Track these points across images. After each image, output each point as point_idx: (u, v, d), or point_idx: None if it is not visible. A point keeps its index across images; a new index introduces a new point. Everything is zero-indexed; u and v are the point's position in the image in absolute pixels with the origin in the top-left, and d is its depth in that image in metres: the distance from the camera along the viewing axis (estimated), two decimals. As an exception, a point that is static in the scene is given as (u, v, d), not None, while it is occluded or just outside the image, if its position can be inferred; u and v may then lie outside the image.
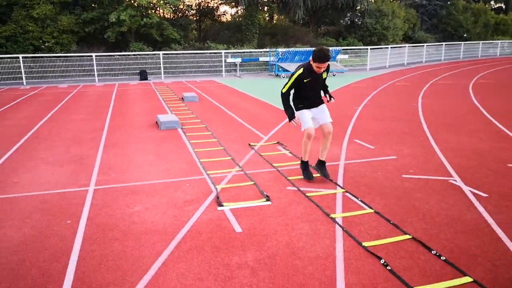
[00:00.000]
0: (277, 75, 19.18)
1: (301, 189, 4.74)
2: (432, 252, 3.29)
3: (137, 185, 4.99)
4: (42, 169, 5.68)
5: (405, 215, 4.01)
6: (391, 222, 3.84)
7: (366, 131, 7.60)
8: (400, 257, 3.23)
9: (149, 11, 22.31)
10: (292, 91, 4.81)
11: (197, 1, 31.00)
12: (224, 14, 33.31)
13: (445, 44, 29.40)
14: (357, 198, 4.45)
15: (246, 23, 26.36)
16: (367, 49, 22.77)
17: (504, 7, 48.32)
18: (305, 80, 4.62)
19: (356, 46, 27.06)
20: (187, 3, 29.79)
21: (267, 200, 4.45)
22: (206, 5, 31.67)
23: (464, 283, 2.88)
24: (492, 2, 49.15)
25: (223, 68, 20.29)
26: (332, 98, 4.94)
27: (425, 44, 27.90)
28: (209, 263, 3.21)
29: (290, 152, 6.33)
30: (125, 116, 9.65)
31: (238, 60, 20.27)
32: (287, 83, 4.69)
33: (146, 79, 18.68)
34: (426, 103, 10.73)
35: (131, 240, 3.61)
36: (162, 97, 12.84)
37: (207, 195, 4.62)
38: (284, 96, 4.73)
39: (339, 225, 3.80)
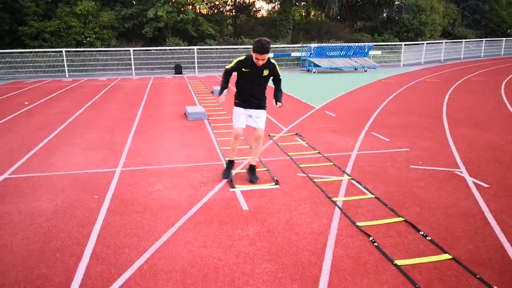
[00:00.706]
0: (308, 70, 19.35)
1: (310, 175, 5.04)
2: (420, 232, 3.53)
3: (160, 168, 5.44)
4: (76, 153, 6.25)
5: (403, 201, 4.24)
6: (388, 206, 4.09)
7: (385, 125, 7.76)
8: (389, 236, 3.49)
9: (185, 7, 22.93)
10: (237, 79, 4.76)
11: (234, -3, 31.51)
12: (260, 10, 33.64)
13: (485, 40, 28.55)
14: (360, 184, 4.71)
15: (280, 18, 26.60)
16: (401, 45, 22.49)
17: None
18: (243, 69, 4.54)
19: (392, 42, 26.74)
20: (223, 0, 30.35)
21: (276, 184, 4.79)
22: (242, 1, 32.13)
23: (442, 259, 3.11)
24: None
25: (255, 63, 20.63)
26: (278, 103, 4.80)
27: (464, 40, 27.19)
28: (215, 234, 3.59)
29: (306, 143, 6.61)
30: (156, 107, 10.21)
31: (270, 55, 20.54)
32: (231, 63, 4.66)
33: (181, 73, 19.32)
34: (452, 99, 10.68)
35: (148, 213, 4.05)
36: (193, 90, 13.36)
37: (222, 179, 5.00)
38: (225, 72, 4.70)
39: (338, 207, 4.09)
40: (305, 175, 5.09)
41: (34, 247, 3.41)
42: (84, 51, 19.63)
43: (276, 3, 30.02)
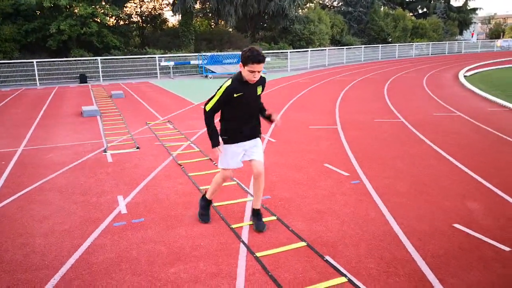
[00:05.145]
0: (205, 76, 21.75)
1: (164, 143, 7.30)
2: (213, 163, 5.93)
3: (54, 146, 7.37)
4: (-14, 141, 7.93)
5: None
6: (204, 154, 6.47)
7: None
8: (194, 166, 5.85)
9: (89, 20, 24.19)
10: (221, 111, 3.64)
11: (140, 10, 33.15)
12: (165, 22, 35.54)
13: (364, 47, 33.15)
14: (195, 145, 7.07)
15: (183, 29, 28.80)
16: (287, 52, 25.78)
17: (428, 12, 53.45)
18: (235, 94, 3.49)
19: (286, 50, 30.10)
20: (128, 13, 31.93)
21: (137, 148, 6.97)
22: (149, 12, 33.90)
23: (215, 172, 5.51)
24: (419, 8, 54.52)
25: (158, 71, 22.64)
26: (274, 116, 3.80)
27: (345, 47, 31.40)
28: (84, 172, 5.70)
29: (173, 126, 8.87)
30: (57, 109, 11.88)
31: (171, 64, 22.70)
32: (212, 98, 3.55)
33: (86, 82, 20.72)
34: (307, 92, 13.63)
35: (41, 168, 6.02)
36: (94, 96, 15.06)
37: (99, 148, 7.08)
38: (208, 116, 3.59)
39: (172, 156, 6.39)
40: (160, 143, 7.34)
41: (-39, 186, 5.28)
42: (-15, 63, 20.23)
43: (177, 15, 32.05)
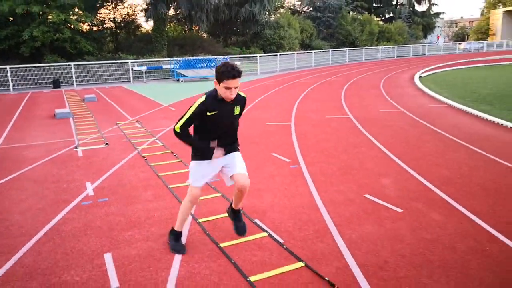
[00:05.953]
0: (177, 80, 22.42)
1: (131, 140, 8.00)
2: (174, 155, 6.68)
3: (28, 144, 7.97)
4: (-37, 142, 8.46)
5: (178, 145, 7.39)
6: (166, 147, 7.21)
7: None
8: (156, 157, 6.58)
9: (62, 27, 24.52)
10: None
11: (114, 16, 33.55)
12: (139, 27, 35.99)
13: (332, 50, 34.39)
14: (159, 141, 7.80)
15: (155, 35, 29.38)
16: (257, 56, 26.69)
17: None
18: (208, 113, 3.25)
19: (258, 54, 31.02)
20: (101, 19, 32.33)
21: (106, 145, 7.65)
22: (123, 18, 34.31)
23: (166, 152, 6.27)
24: (386, 13, 56.48)
25: (131, 76, 23.18)
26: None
27: (313, 51, 32.53)
28: (57, 166, 6.36)
29: (141, 126, 9.56)
30: (31, 112, 12.39)
31: (143, 68, 23.29)
32: (182, 117, 3.29)
33: (59, 87, 21.10)
34: (270, 94, 14.50)
35: (17, 163, 6.64)
36: (67, 100, 15.57)
37: (71, 145, 7.73)
38: (180, 135, 3.36)
39: (137, 150, 7.11)
40: (128, 140, 8.04)
41: None
42: (-43, 70, 20.39)
43: (150, 21, 32.54)
